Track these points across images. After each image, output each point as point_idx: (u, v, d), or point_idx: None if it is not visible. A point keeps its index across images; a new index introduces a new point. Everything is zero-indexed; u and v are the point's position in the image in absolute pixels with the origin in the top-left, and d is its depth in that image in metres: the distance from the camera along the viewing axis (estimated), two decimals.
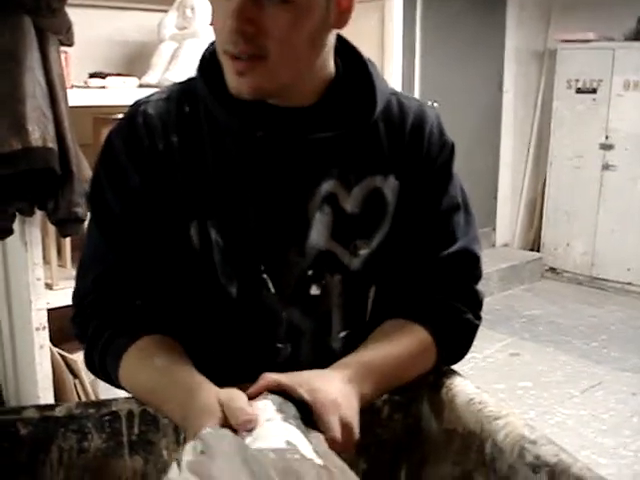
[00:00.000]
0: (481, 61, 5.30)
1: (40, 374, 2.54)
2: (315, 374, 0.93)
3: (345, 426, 0.88)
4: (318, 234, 1.07)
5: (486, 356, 3.96)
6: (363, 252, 1.09)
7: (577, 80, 5.25)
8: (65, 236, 2.45)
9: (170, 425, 0.96)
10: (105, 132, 2.55)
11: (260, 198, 1.05)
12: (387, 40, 3.43)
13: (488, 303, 4.80)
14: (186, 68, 2.85)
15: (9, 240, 2.47)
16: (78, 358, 2.65)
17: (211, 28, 1.04)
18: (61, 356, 2.66)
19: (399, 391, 1.04)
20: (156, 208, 1.06)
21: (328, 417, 0.87)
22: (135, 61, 3.11)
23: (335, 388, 0.91)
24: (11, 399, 2.86)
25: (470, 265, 1.13)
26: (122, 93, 2.68)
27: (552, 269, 5.58)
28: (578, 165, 5.34)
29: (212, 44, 1.10)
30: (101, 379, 1.08)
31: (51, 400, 2.55)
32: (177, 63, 2.86)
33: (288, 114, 1.05)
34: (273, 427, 0.82)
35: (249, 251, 1.06)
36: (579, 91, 5.26)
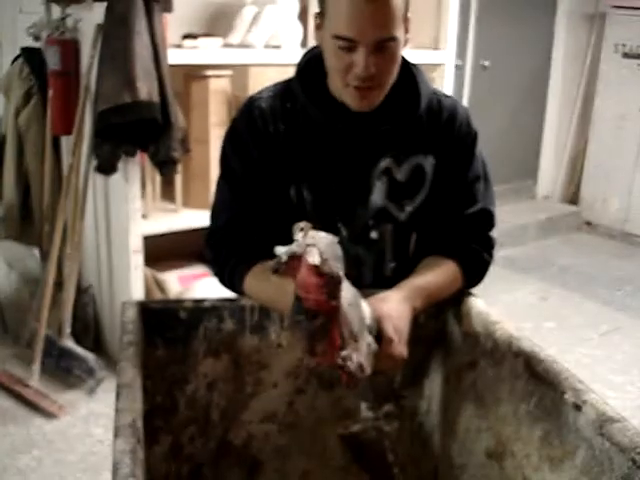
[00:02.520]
0: (533, 23, 5.55)
1: (134, 290, 3.04)
2: (376, 299, 1.34)
3: (398, 332, 1.31)
4: (377, 195, 1.51)
5: (517, 298, 4.35)
6: (408, 209, 1.54)
7: (624, 45, 5.51)
8: (163, 175, 2.91)
9: (277, 316, 1.43)
10: (194, 87, 3.02)
11: (338, 170, 1.49)
12: (444, 2, 3.76)
13: (524, 251, 5.27)
14: (265, 32, 3.25)
15: (112, 176, 2.94)
16: (166, 277, 3.14)
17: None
18: (152, 275, 3.15)
19: (431, 305, 1.48)
20: (267, 174, 1.50)
21: (386, 324, 1.30)
22: (219, 21, 3.48)
23: (393, 305, 1.33)
24: (107, 312, 3.37)
25: (487, 220, 1.56)
26: (210, 53, 3.09)
27: (588, 223, 5.91)
28: (619, 126, 5.63)
29: (309, 52, 1.54)
30: (227, 289, 1.54)
31: None
32: (257, 27, 3.24)
33: (360, 114, 1.48)
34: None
35: (329, 206, 1.51)
36: (625, 56, 5.52)
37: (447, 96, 1.61)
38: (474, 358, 1.42)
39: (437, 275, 1.47)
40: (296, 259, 1.08)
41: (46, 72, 3.25)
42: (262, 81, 3.17)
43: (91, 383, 3.08)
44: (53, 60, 3.12)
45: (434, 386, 1.55)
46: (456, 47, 3.88)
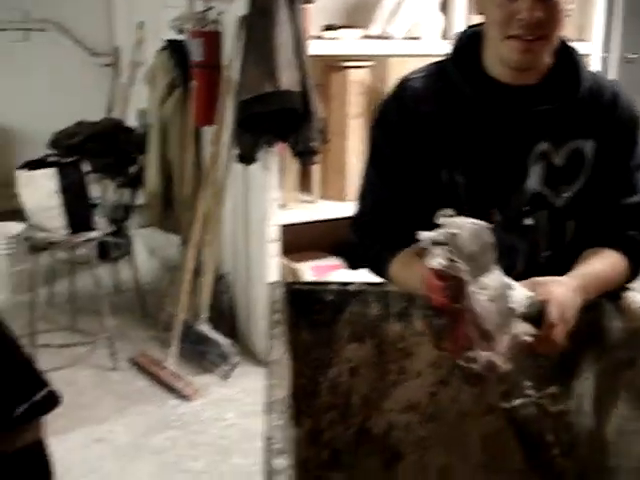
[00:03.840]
0: None
1: (269, 279, 3.06)
2: (552, 281, 1.28)
3: (563, 320, 1.24)
4: (533, 180, 1.45)
5: None
6: (565, 195, 1.46)
7: None
8: (302, 165, 2.93)
9: (423, 303, 1.39)
10: (334, 78, 3.02)
11: (493, 153, 1.44)
12: None
13: None
14: (405, 23, 3.21)
15: (252, 166, 2.98)
16: (300, 267, 3.16)
17: None
18: (286, 265, 3.18)
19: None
20: (417, 156, 1.47)
21: (552, 308, 1.23)
22: (359, 13, 3.47)
23: (564, 293, 1.26)
24: (242, 300, 3.44)
25: None
26: (350, 44, 3.09)
27: None
28: None
29: (463, 33, 1.49)
30: (372, 273, 1.52)
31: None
32: (397, 18, 3.21)
33: (517, 91, 1.42)
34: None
35: (483, 191, 1.45)
36: None
37: (609, 80, 1.52)
38: (634, 355, 1.33)
39: (606, 266, 1.40)
40: (438, 247, 1.06)
41: (189, 64, 3.34)
42: (401, 72, 3.13)
43: (225, 368, 3.14)
44: (196, 52, 3.20)
45: (586, 384, 1.47)
46: (602, 39, 3.73)
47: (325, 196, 3.21)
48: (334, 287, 1.40)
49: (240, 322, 3.44)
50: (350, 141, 3.11)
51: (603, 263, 1.40)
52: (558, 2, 1.31)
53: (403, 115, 1.47)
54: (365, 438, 1.49)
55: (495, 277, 1.13)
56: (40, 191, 3.07)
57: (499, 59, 1.40)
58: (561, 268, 1.38)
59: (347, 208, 3.05)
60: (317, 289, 1.40)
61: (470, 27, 1.52)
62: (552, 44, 1.38)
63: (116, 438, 2.78)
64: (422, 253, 1.09)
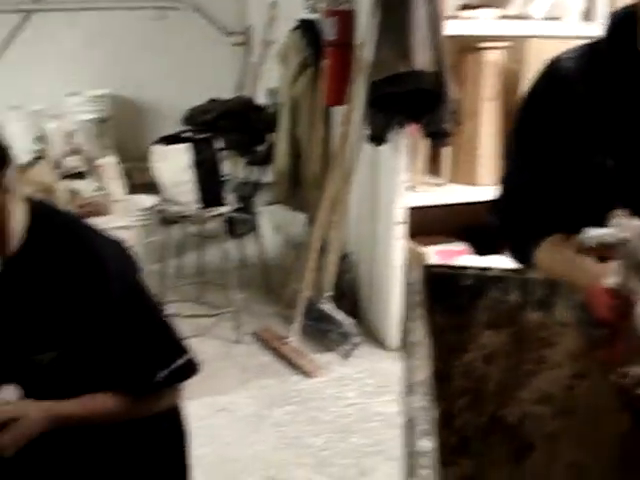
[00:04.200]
0: None
1: (394, 260, 3.07)
2: None
3: None
4: None
5: None
6: None
7: None
8: (435, 147, 2.89)
9: (566, 293, 1.35)
10: (469, 59, 2.96)
11: None
12: None
13: None
14: (545, 2, 3.10)
15: (381, 147, 2.97)
16: (425, 251, 3.13)
17: None
18: (411, 248, 3.15)
19: None
20: (567, 139, 1.41)
21: None
22: None
23: None
24: (365, 280, 3.44)
25: None
26: (487, 24, 3.01)
27: None
28: None
29: (617, 13, 1.42)
30: (513, 257, 1.48)
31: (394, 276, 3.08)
32: None
33: None
34: None
35: (636, 177, 1.38)
36: None
37: None
38: None
39: None
40: (604, 248, 1.01)
41: (321, 43, 3.35)
42: (539, 54, 3.06)
43: (346, 347, 3.16)
44: (329, 31, 3.21)
45: None
46: None
47: (455, 180, 3.16)
48: (473, 272, 1.37)
49: (362, 302, 3.45)
50: (483, 124, 3.04)
51: None
52: None
53: (556, 96, 1.42)
54: (496, 427, 1.46)
55: None
56: (174, 166, 3.17)
57: None
58: None
59: (477, 192, 3.02)
60: (456, 273, 1.37)
61: (625, 8, 1.44)
62: None
63: (238, 409, 2.85)
64: (581, 247, 1.04)
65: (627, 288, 0.98)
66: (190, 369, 1.41)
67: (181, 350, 1.41)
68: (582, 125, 1.40)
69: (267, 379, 3.06)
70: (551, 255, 1.36)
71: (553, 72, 1.43)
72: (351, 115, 3.08)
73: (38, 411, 1.24)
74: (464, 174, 3.11)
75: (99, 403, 1.33)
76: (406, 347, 1.11)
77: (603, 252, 1.03)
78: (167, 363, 1.37)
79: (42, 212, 1.30)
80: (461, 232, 3.19)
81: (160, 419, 1.46)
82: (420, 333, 1.11)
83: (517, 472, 1.49)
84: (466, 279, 1.36)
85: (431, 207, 3.06)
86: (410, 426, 0.88)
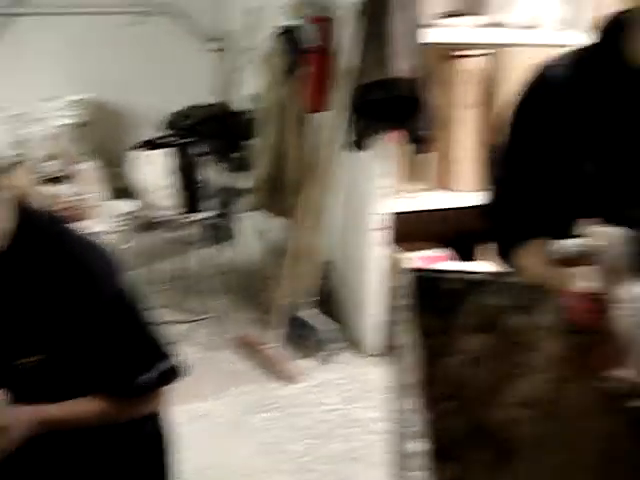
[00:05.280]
0: None
1: (375, 267, 3.08)
2: None
3: None
4: None
5: None
6: None
7: None
8: (417, 153, 2.90)
9: (549, 297, 1.36)
10: (448, 66, 2.98)
11: (632, 147, 1.38)
12: None
13: None
14: (523, 11, 3.13)
15: (363, 153, 2.97)
16: (407, 257, 3.14)
17: None
18: (394, 254, 3.16)
19: None
20: (556, 146, 1.42)
21: None
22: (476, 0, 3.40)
23: None
24: (347, 286, 3.44)
25: None
26: (465, 32, 3.02)
27: None
28: None
29: (604, 21, 1.44)
30: (500, 260, 1.49)
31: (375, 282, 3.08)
32: (515, 5, 3.12)
33: None
34: None
35: (624, 184, 1.40)
36: None
37: None
38: None
39: None
40: (582, 258, 1.02)
41: (302, 50, 3.35)
42: (518, 62, 3.10)
43: (326, 353, 3.16)
44: (312, 38, 3.21)
45: None
46: None
47: (437, 186, 3.17)
48: (457, 276, 1.38)
49: (343, 308, 3.45)
50: (463, 131, 3.06)
51: None
52: None
53: (543, 103, 1.44)
54: (480, 431, 1.47)
55: (633, 286, 1.08)
56: (154, 171, 3.16)
57: None
58: None
59: (459, 198, 3.04)
60: (440, 277, 1.38)
61: (612, 15, 1.45)
62: None
63: (217, 415, 2.84)
64: (559, 259, 1.06)
65: (604, 293, 0.99)
66: (174, 373, 1.41)
67: (165, 354, 1.40)
68: (572, 132, 1.41)
69: (247, 385, 3.05)
70: (530, 259, 1.38)
71: (542, 80, 1.45)
72: (332, 121, 3.09)
73: (25, 416, 1.23)
74: (445, 180, 3.13)
75: (83, 406, 1.32)
76: (394, 351, 1.11)
77: (575, 262, 1.04)
78: (150, 366, 1.36)
79: (28, 214, 1.29)
80: (444, 238, 3.20)
81: (143, 423, 1.45)
82: (408, 336, 1.11)
83: (501, 476, 1.49)
84: (450, 283, 1.37)
85: (414, 213, 3.07)
86: (400, 428, 0.88)
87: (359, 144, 2.86)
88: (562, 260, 1.05)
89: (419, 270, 1.42)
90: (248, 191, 4.04)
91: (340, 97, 3.02)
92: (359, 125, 2.81)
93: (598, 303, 1.00)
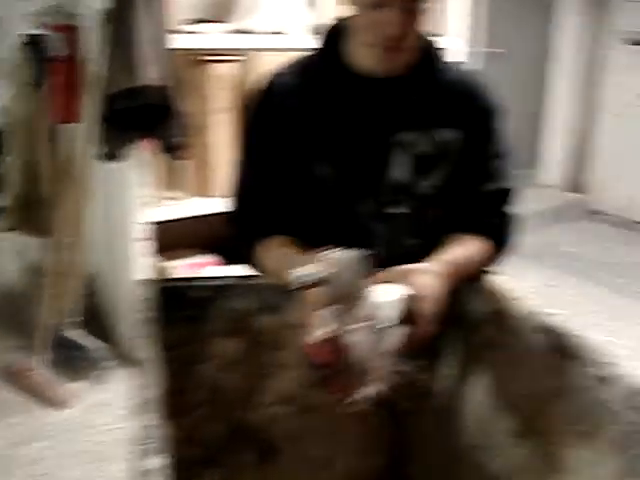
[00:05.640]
0: (537, 10, 5.52)
1: (139, 278, 3.00)
2: (419, 271, 1.31)
3: (432, 312, 1.27)
4: (398, 169, 1.48)
5: (524, 286, 4.29)
6: (429, 183, 1.50)
7: (629, 31, 5.46)
8: (171, 161, 2.88)
9: (296, 295, 1.39)
10: (200, 72, 2.98)
11: (358, 144, 1.47)
12: None
13: (532, 240, 5.20)
14: (271, 17, 3.21)
15: (119, 163, 2.90)
16: (172, 265, 3.12)
17: None
18: (158, 264, 3.12)
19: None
20: (287, 150, 1.47)
21: (422, 304, 1.26)
22: (225, 6, 3.43)
23: (431, 283, 1.29)
24: (114, 301, 3.34)
25: (508, 196, 1.54)
26: (215, 38, 3.06)
27: (595, 211, 5.87)
28: (625, 113, 5.58)
29: (329, 27, 1.51)
30: (248, 265, 1.52)
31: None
32: (263, 12, 3.20)
33: (381, 83, 1.45)
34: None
35: (349, 181, 1.48)
36: (630, 42, 5.45)
37: (469, 71, 1.58)
38: (494, 336, 1.39)
39: (469, 252, 1.45)
40: (313, 285, 1.07)
41: (47, 60, 3.21)
42: (268, 67, 3.13)
43: (98, 372, 3.06)
44: (58, 46, 3.08)
45: (452, 367, 1.52)
46: (461, 35, 3.85)
47: (196, 191, 3.16)
48: (202, 282, 1.38)
49: (113, 324, 3.35)
50: (217, 136, 3.08)
51: (466, 249, 1.45)
52: (421, 10, 1.35)
53: (271, 110, 1.48)
54: (241, 434, 1.48)
55: (365, 304, 1.13)
56: None
57: (362, 58, 1.43)
58: (426, 256, 1.41)
59: (216, 204, 3.05)
60: (185, 285, 1.38)
61: (335, 21, 1.53)
62: (413, 48, 1.43)
63: None
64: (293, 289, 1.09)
65: (337, 328, 1.03)
66: None
67: None
68: (299, 137, 1.47)
69: (13, 416, 2.87)
70: (269, 259, 1.42)
71: (269, 88, 1.50)
72: (84, 132, 2.98)
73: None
74: (202, 186, 3.13)
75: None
76: (139, 365, 1.09)
77: (312, 289, 1.08)
78: None
79: None
80: (207, 244, 3.20)
81: None
82: (150, 350, 1.10)
83: (265, 475, 1.52)
84: (196, 291, 1.37)
85: (175, 221, 3.04)
86: (140, 445, 0.87)
87: (113, 154, 2.78)
88: (303, 287, 1.08)
89: (164, 280, 1.41)
90: (1, 211, 3.81)
91: (91, 107, 2.93)
92: (110, 135, 2.74)
93: (333, 342, 1.03)
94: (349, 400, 1.08)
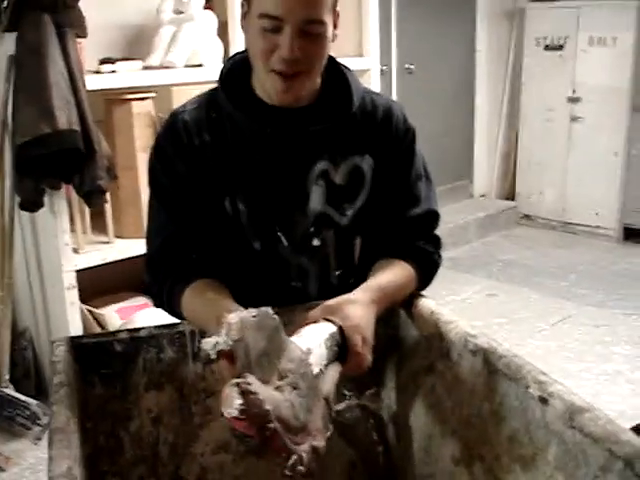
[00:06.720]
0: (454, 23, 5.59)
1: (72, 329, 2.91)
2: (345, 302, 1.27)
3: (365, 341, 1.24)
4: (316, 200, 1.44)
5: (465, 297, 4.33)
6: (349, 212, 1.47)
7: (545, 37, 5.58)
8: (91, 206, 2.79)
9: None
10: (117, 112, 2.92)
11: (272, 177, 1.42)
12: (364, 9, 3.74)
13: (467, 250, 5.27)
14: (185, 51, 3.18)
15: (39, 212, 2.81)
16: (104, 312, 3.02)
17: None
18: (89, 311, 3.02)
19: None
20: (198, 188, 1.42)
21: (353, 336, 1.22)
22: (137, 44, 3.40)
23: (359, 313, 1.25)
24: (46, 355, 3.21)
25: (432, 219, 1.51)
26: (130, 76, 3.01)
27: (526, 216, 5.95)
28: (548, 118, 5.68)
29: (231, 59, 1.47)
30: (167, 312, 1.45)
31: None
32: (177, 46, 3.17)
33: (290, 113, 1.41)
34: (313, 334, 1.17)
35: (266, 216, 1.43)
36: (547, 48, 5.58)
37: (380, 95, 1.55)
38: (430, 361, 1.35)
39: (395, 276, 1.41)
40: (224, 354, 1.01)
41: None
42: (186, 100, 3.11)
43: (36, 430, 2.93)
44: None
45: (392, 394, 1.48)
46: (380, 52, 3.86)
47: (121, 234, 3.09)
48: (123, 336, 1.32)
49: (47, 379, 3.23)
50: (140, 175, 3.00)
51: (393, 274, 1.41)
52: (319, 35, 1.31)
53: (176, 149, 1.43)
54: None
55: (290, 354, 1.08)
56: None
57: (265, 88, 1.39)
58: (353, 286, 1.38)
59: (144, 245, 2.96)
60: (104, 340, 1.31)
61: (238, 53, 1.49)
62: (316, 73, 1.38)
63: None
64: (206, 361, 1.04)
65: (254, 395, 0.97)
66: None
67: None
68: (209, 173, 1.42)
69: None
70: (191, 301, 1.36)
71: (173, 126, 1.44)
72: (2, 183, 2.88)
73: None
74: (129, 228, 3.05)
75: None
76: (49, 435, 1.02)
77: (225, 357, 1.02)
78: None
79: None
80: (138, 286, 3.12)
81: None
82: (62, 418, 1.03)
83: None
84: (116, 345, 1.31)
85: (102, 266, 2.95)
86: None
87: (30, 204, 2.69)
88: (217, 357, 1.02)
89: (79, 337, 1.34)
90: None
91: (5, 156, 2.84)
92: (26, 184, 2.65)
93: (252, 412, 0.97)
94: (290, 462, 1.02)
